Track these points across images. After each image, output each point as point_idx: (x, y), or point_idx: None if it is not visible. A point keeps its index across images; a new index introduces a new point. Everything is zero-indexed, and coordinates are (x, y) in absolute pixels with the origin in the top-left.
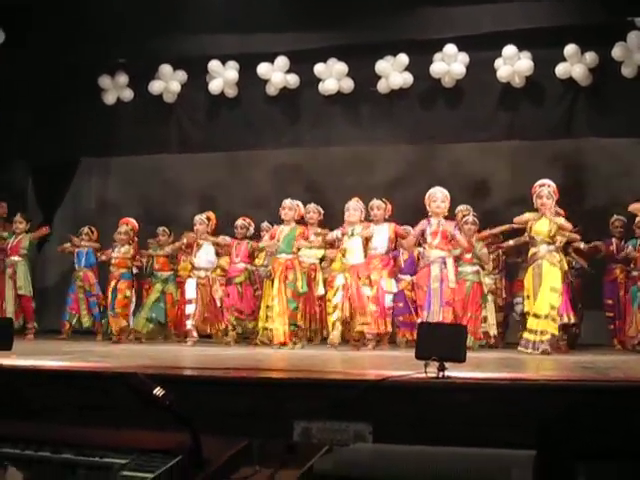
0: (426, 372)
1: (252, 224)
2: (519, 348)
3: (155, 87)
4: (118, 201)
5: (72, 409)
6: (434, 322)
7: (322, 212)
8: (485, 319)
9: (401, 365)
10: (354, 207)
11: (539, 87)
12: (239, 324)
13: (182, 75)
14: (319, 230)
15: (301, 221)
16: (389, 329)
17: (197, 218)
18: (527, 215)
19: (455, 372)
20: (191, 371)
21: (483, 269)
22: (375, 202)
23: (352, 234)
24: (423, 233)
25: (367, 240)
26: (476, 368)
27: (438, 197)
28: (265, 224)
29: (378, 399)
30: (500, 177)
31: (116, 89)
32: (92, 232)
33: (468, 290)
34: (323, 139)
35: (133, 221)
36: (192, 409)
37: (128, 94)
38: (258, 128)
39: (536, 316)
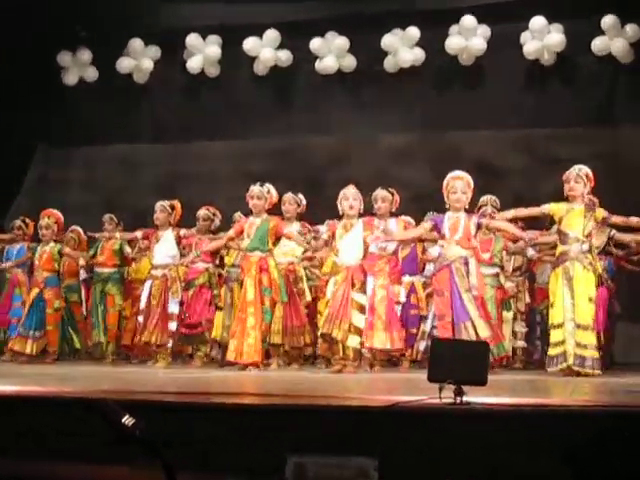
0: (441, 397)
1: (218, 215)
2: (550, 369)
3: (124, 65)
4: (79, 199)
5: (27, 441)
6: (450, 338)
7: (303, 203)
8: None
9: (411, 389)
10: (354, 197)
11: (572, 65)
12: (184, 341)
13: (155, 51)
14: (296, 231)
15: (273, 211)
16: (399, 345)
17: (158, 205)
18: (553, 205)
19: (475, 397)
20: (166, 397)
21: (502, 270)
22: (380, 192)
23: (349, 229)
24: (437, 227)
25: (366, 238)
26: (499, 392)
27: (458, 187)
28: (238, 214)
29: (384, 429)
30: (527, 170)
31: (78, 67)
32: (26, 225)
33: (487, 297)
34: (320, 126)
35: (57, 213)
36: (167, 440)
37: (92, 73)
38: (244, 113)
39: (581, 327)
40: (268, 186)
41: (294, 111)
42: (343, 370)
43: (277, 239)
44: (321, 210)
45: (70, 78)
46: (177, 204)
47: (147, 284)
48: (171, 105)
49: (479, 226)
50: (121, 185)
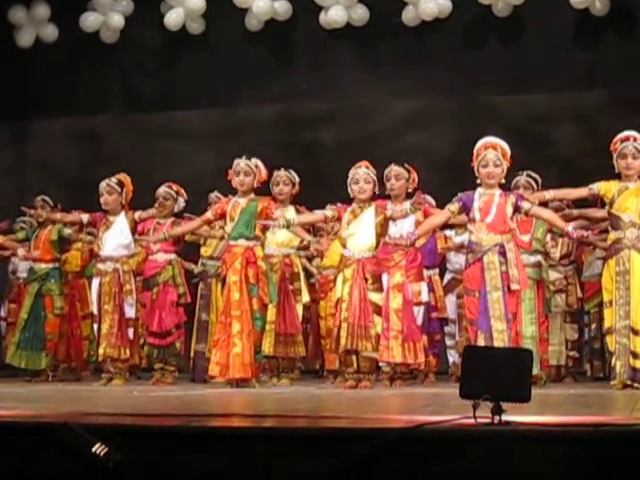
0: (475, 416)
1: (182, 194)
2: (613, 382)
3: (89, 22)
4: (35, 180)
5: None
6: (486, 346)
7: (297, 181)
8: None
9: (440, 407)
10: (365, 179)
11: (629, 15)
12: (148, 352)
13: (126, 5)
14: (295, 216)
15: (261, 190)
16: (421, 357)
17: (103, 185)
18: (602, 184)
19: (517, 415)
20: (143, 420)
21: (546, 258)
22: (394, 169)
23: (358, 214)
24: (465, 208)
25: (380, 224)
26: (545, 409)
27: (490, 158)
28: (214, 194)
29: (408, 455)
30: (574, 141)
31: (34, 25)
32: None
33: (524, 292)
34: (326, 90)
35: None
36: (145, 472)
37: (51, 32)
38: (234, 77)
39: (637, 333)
40: (256, 160)
41: (294, 74)
42: (358, 386)
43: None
44: (323, 191)
45: (25, 38)
46: (126, 179)
47: (95, 283)
48: (146, 69)
49: (517, 209)
50: (85, 164)
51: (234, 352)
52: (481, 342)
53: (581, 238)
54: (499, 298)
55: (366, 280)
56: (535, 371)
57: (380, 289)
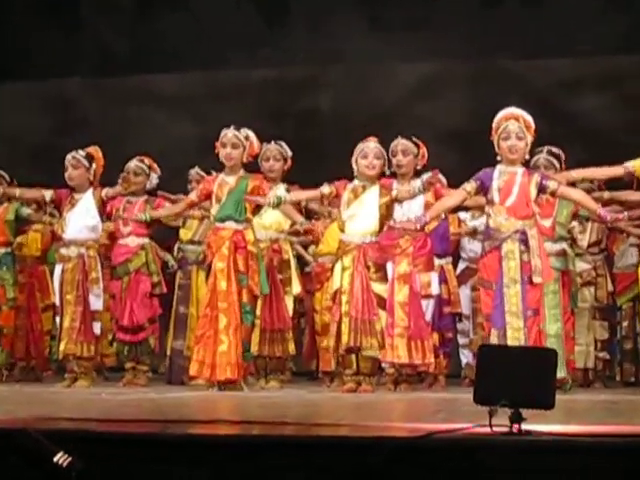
0: (492, 425)
1: (156, 169)
2: None
3: None
4: None
5: None
6: (503, 345)
7: (289, 156)
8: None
9: (452, 414)
10: (376, 154)
11: None
12: (117, 349)
13: None
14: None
15: (251, 166)
16: (429, 358)
17: (69, 158)
18: (639, 162)
19: (538, 424)
20: (112, 426)
21: (572, 246)
22: (401, 143)
23: (360, 194)
24: (483, 188)
25: (385, 206)
26: (570, 418)
27: (512, 130)
28: (195, 171)
29: (414, 468)
30: (608, 113)
31: None
32: None
33: (547, 285)
34: (326, 52)
35: None
36: None
37: None
38: (220, 35)
39: None
40: (246, 131)
41: (287, 32)
42: (358, 389)
43: (258, 206)
44: (318, 168)
45: None
46: (97, 152)
47: (57, 270)
48: (119, 26)
49: (542, 189)
50: (49, 132)
51: (220, 350)
52: (494, 340)
53: (616, 222)
54: (517, 292)
55: (368, 268)
56: (560, 374)
57: (384, 279)
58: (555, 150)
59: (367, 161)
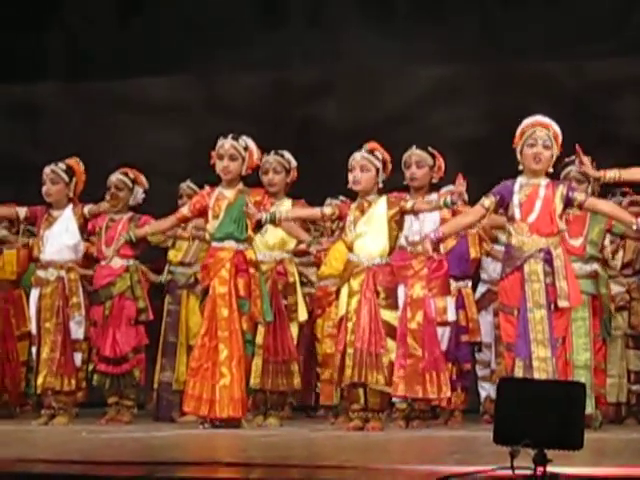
0: (513, 467)
1: (142, 182)
2: None
3: None
4: None
5: None
6: (526, 378)
7: (292, 167)
8: None
9: (469, 454)
10: (363, 165)
11: None
12: (98, 382)
13: None
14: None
15: (251, 179)
16: (445, 392)
17: (47, 171)
18: None
19: (565, 466)
20: (94, 469)
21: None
22: (415, 153)
23: (366, 209)
24: (503, 203)
25: (394, 219)
26: (601, 459)
27: (540, 137)
28: (186, 184)
29: None
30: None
31: None
32: None
33: (576, 311)
34: (326, 52)
35: None
36: None
37: None
38: (211, 36)
39: None
40: (246, 140)
41: (287, 30)
42: (365, 427)
43: (258, 223)
44: (321, 181)
45: None
46: (77, 166)
47: (33, 294)
48: (97, 26)
49: (569, 202)
50: (18, 143)
51: (221, 384)
52: (519, 372)
53: None
54: (542, 318)
55: (377, 294)
56: (588, 410)
57: (394, 306)
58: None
59: (352, 175)
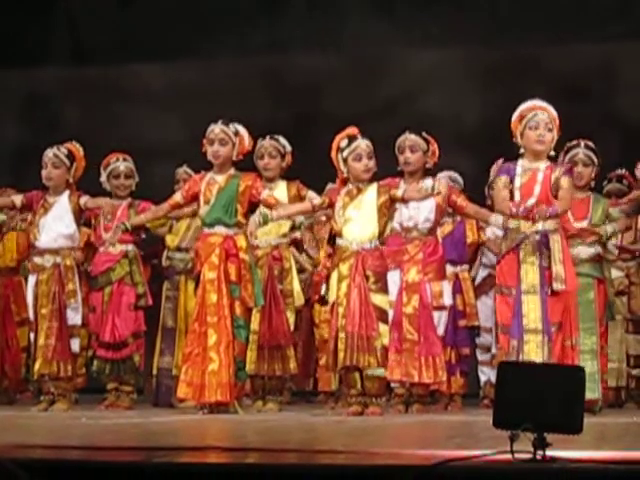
0: (513, 451)
1: (132, 170)
2: None
3: None
4: None
5: None
6: (525, 362)
7: (287, 151)
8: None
9: (469, 439)
10: (368, 154)
11: None
12: (98, 368)
13: None
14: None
15: (245, 164)
16: (442, 376)
17: (49, 155)
18: None
19: (565, 450)
20: (93, 454)
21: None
22: (409, 138)
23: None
24: (512, 181)
25: (385, 207)
26: (601, 443)
27: (541, 121)
28: (183, 170)
29: None
30: None
31: None
32: None
33: (582, 294)
34: (325, 39)
35: None
36: None
37: None
38: (209, 22)
39: None
40: (236, 126)
41: (286, 15)
42: (364, 412)
43: (252, 207)
44: (319, 166)
45: None
46: (77, 151)
47: (30, 281)
48: (97, 12)
49: (556, 182)
50: (17, 130)
51: (210, 369)
52: (512, 354)
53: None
54: (536, 300)
55: (367, 278)
56: (594, 395)
57: (384, 290)
58: (591, 144)
59: (362, 164)
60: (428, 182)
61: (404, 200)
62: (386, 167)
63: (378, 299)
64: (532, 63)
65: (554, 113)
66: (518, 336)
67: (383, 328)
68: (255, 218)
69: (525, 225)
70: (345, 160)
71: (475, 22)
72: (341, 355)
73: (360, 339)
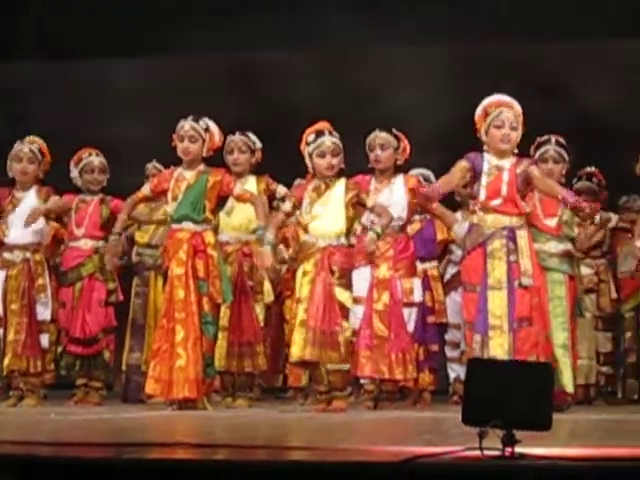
0: (482, 448)
1: (105, 165)
2: None
3: None
4: None
5: None
6: (494, 359)
7: (257, 147)
8: None
9: (436, 436)
10: (333, 151)
11: None
12: (68, 363)
13: None
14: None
15: (211, 159)
16: (411, 373)
17: (23, 149)
18: None
19: (534, 447)
20: (62, 450)
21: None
22: (379, 136)
23: (323, 192)
24: (475, 173)
25: (352, 205)
26: (570, 439)
27: (506, 119)
28: (152, 165)
29: None
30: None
31: None
32: None
33: (552, 290)
34: (298, 33)
35: None
36: None
37: None
38: (179, 15)
39: None
40: (206, 122)
41: (257, 10)
42: (333, 408)
43: (220, 202)
44: (291, 162)
45: None
46: (43, 146)
47: (0, 277)
48: (67, 6)
49: (527, 175)
50: None
51: (177, 365)
52: (476, 348)
53: (576, 205)
54: (502, 296)
55: (332, 273)
56: (569, 389)
57: (348, 286)
58: (562, 140)
59: (325, 161)
60: (399, 179)
61: (369, 210)
62: (358, 164)
63: (340, 294)
64: (509, 60)
65: (519, 109)
66: (482, 331)
67: (345, 324)
68: (267, 249)
69: (491, 221)
70: (310, 155)
71: (453, 19)
72: (295, 349)
73: (322, 334)
